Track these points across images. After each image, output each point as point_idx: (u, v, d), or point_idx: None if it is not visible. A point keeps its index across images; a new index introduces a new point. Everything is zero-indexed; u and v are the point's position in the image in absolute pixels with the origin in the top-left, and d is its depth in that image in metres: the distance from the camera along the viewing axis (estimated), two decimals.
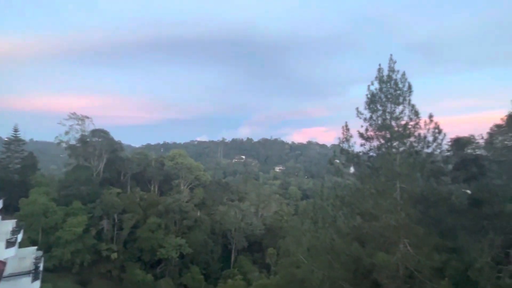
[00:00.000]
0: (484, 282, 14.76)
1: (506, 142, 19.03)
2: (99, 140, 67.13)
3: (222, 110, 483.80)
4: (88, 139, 66.68)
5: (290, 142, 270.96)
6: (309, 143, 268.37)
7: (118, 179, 70.02)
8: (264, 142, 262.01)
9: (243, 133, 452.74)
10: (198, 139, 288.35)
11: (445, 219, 20.09)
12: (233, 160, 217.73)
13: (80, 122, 66.49)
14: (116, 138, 73.91)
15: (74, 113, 66.23)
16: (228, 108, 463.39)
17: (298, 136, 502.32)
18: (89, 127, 67.52)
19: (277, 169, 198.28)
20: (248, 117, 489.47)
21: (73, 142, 66.37)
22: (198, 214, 64.84)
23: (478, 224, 17.38)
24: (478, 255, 15.81)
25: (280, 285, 25.77)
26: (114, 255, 54.06)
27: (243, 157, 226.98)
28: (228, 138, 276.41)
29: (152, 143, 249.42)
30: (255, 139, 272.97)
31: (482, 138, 20.91)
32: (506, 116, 20.18)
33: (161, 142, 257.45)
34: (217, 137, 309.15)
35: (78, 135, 66.25)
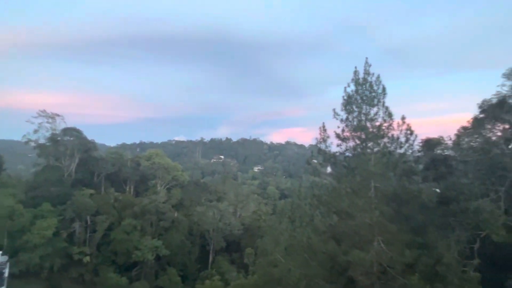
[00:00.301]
0: (451, 276, 15.52)
1: (471, 143, 20.11)
2: (71, 139, 64.40)
3: (201, 110, 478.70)
4: (59, 138, 63.79)
5: (268, 142, 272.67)
6: (288, 143, 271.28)
7: (91, 179, 67.53)
8: (243, 142, 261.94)
9: (222, 133, 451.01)
10: (176, 138, 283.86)
11: (416, 217, 20.94)
12: (212, 160, 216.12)
13: (50, 120, 63.44)
14: (90, 137, 71.46)
15: (44, 111, 63.14)
16: (207, 107, 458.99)
17: (276, 136, 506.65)
18: (61, 125, 64.59)
19: (255, 169, 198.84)
20: (227, 117, 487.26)
21: (42, 141, 63.27)
22: (176, 215, 63.76)
23: (446, 221, 18.25)
24: (445, 251, 16.61)
25: (258, 284, 25.87)
26: (86, 259, 52.09)
27: (222, 157, 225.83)
28: (207, 138, 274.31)
29: (128, 142, 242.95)
30: (234, 139, 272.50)
31: (450, 139, 21.97)
32: (472, 118, 21.34)
33: (137, 142, 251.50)
34: (195, 137, 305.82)
35: (48, 134, 63.23)
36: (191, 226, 64.65)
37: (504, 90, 19.05)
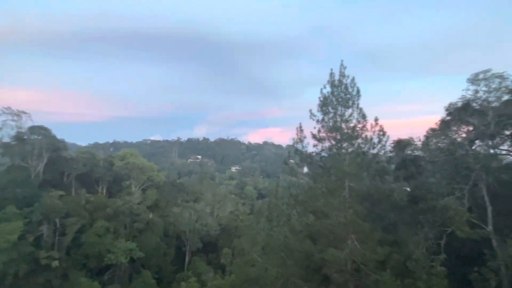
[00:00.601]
0: (420, 271, 16.25)
1: (439, 144, 21.12)
2: (39, 138, 61.16)
3: (178, 109, 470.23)
4: (25, 137, 60.42)
5: (246, 142, 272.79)
6: (265, 143, 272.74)
7: (60, 180, 64.54)
8: (221, 142, 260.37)
9: (199, 132, 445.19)
10: (152, 138, 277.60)
11: (388, 215, 21.76)
12: (189, 160, 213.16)
13: (15, 118, 59.93)
14: (60, 136, 68.17)
15: (8, 108, 59.58)
16: (184, 107, 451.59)
17: (254, 136, 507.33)
18: (27, 123, 61.21)
19: (233, 169, 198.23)
20: (204, 117, 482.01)
21: (7, 139, 59.73)
22: (151, 216, 62.30)
23: (416, 218, 19.07)
24: (415, 247, 17.37)
25: (235, 284, 25.80)
26: (55, 263, 49.63)
27: (199, 157, 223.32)
28: (184, 138, 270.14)
29: (101, 141, 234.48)
30: (212, 139, 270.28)
31: (420, 140, 22.98)
32: (439, 121, 22.44)
33: (111, 141, 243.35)
34: (172, 137, 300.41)
35: (13, 132, 59.78)
36: (166, 227, 63.41)
37: (468, 95, 20.19)
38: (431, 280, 15.60)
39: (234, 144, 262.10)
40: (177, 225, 63.21)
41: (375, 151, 20.65)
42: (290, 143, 22.68)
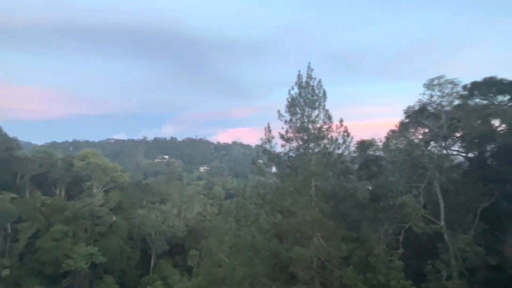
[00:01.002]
0: (380, 266, 17.09)
1: (398, 145, 22.36)
2: None
3: (144, 107, 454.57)
4: None
5: (215, 142, 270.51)
6: (234, 143, 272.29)
7: (13, 182, 59.84)
8: (189, 142, 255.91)
9: (167, 132, 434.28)
10: (116, 137, 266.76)
11: (351, 213, 22.63)
12: (155, 160, 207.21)
13: None
14: (12, 134, 63.73)
15: None
16: (151, 105, 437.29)
17: (223, 136, 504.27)
18: None
19: (201, 169, 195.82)
20: (172, 116, 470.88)
21: None
22: (114, 219, 59.67)
23: (377, 216, 20.03)
24: (376, 243, 18.24)
25: (202, 286, 25.46)
26: (5, 272, 45.89)
27: (166, 157, 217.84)
28: (150, 137, 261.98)
29: (59, 140, 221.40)
30: (180, 139, 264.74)
31: (381, 141, 24.18)
32: (399, 123, 23.77)
33: (70, 140, 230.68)
34: (137, 136, 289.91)
35: None
36: (131, 230, 61.09)
37: (425, 99, 21.60)
38: (390, 273, 16.47)
39: (202, 144, 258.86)
40: (142, 228, 61.15)
41: (340, 151, 21.40)
42: (259, 143, 22.86)
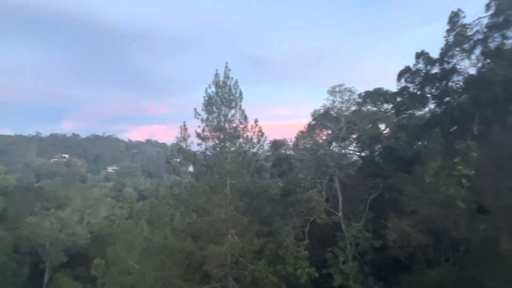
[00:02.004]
0: (289, 257, 18.45)
1: (306, 145, 24.49)
2: None
3: (38, 98, 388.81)
4: None
5: (126, 140, 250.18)
6: (148, 141, 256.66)
7: None
8: (95, 139, 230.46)
9: (67, 127, 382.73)
10: None
11: (265, 208, 23.84)
12: (52, 160, 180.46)
13: None
14: None
15: None
16: (47, 96, 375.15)
17: (135, 134, 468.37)
18: None
19: (110, 169, 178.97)
20: (74, 110, 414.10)
21: None
22: None
23: (287, 210, 21.54)
24: (285, 236, 19.60)
25: None
26: None
27: (66, 155, 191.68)
28: (45, 133, 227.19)
29: None
30: (83, 135, 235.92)
31: (291, 141, 26.07)
32: (307, 124, 26.05)
33: None
34: (28, 131, 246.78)
35: None
36: (17, 242, 51.86)
37: (328, 103, 24.17)
38: (297, 263, 17.93)
39: (111, 141, 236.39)
40: (33, 238, 52.50)
41: (254, 150, 22.33)
42: (175, 141, 22.14)
